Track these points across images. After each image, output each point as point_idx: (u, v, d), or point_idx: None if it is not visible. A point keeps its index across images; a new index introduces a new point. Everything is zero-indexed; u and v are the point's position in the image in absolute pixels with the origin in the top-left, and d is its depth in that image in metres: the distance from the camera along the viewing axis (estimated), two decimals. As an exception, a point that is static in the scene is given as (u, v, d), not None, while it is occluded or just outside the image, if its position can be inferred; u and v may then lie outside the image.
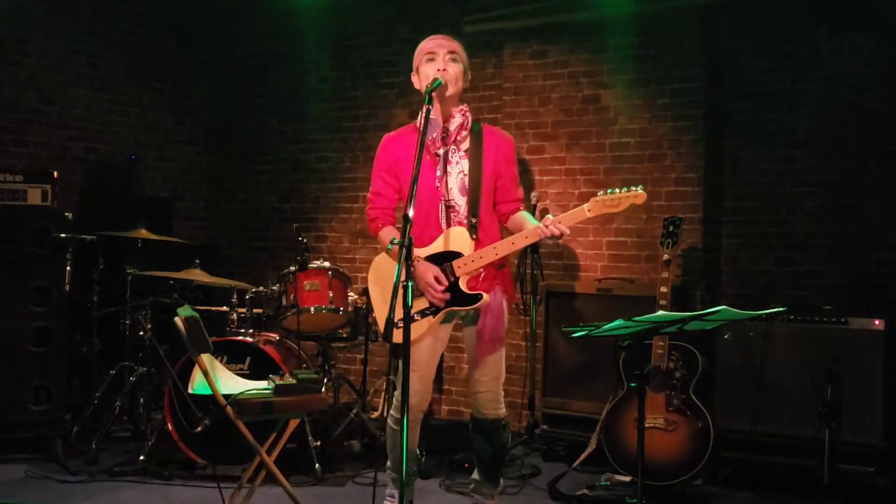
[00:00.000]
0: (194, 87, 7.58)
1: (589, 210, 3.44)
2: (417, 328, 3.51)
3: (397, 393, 3.66)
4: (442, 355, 6.50)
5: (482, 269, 3.59)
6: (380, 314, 3.72)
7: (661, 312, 3.28)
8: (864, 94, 5.08)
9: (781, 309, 4.04)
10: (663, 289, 4.47)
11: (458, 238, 3.58)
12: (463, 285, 3.55)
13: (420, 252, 3.55)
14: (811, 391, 4.43)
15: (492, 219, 3.71)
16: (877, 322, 4.42)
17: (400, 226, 3.72)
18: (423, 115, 3.39)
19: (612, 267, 5.61)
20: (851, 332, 4.47)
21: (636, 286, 5.24)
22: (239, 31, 7.50)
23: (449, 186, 3.62)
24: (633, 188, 3.42)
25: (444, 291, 3.49)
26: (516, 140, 5.87)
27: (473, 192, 3.62)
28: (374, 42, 6.79)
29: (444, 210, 3.62)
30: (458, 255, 3.56)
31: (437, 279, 3.48)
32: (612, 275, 5.54)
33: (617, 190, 3.42)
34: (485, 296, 3.56)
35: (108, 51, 6.91)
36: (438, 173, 3.61)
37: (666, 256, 4.51)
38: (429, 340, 3.63)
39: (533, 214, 5.34)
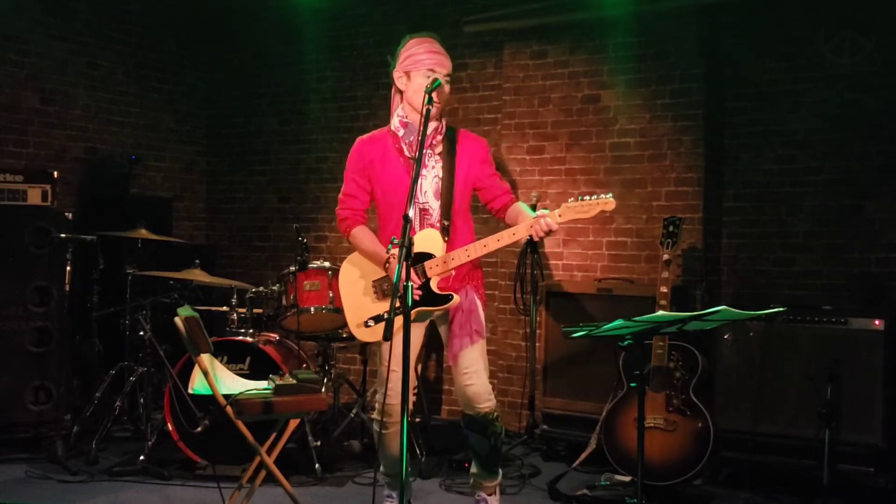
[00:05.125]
0: (194, 87, 7.58)
1: (560, 215, 3.49)
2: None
3: (378, 396, 3.69)
4: (442, 356, 6.40)
5: (453, 270, 3.64)
6: (349, 314, 3.78)
7: (661, 312, 3.28)
8: (864, 94, 5.08)
9: (781, 309, 4.02)
10: (663, 289, 4.47)
11: (430, 240, 3.63)
12: (434, 286, 3.60)
13: (394, 252, 3.57)
14: (811, 391, 4.42)
15: (465, 222, 3.76)
16: (877, 322, 4.42)
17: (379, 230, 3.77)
18: (423, 114, 3.41)
19: (612, 267, 5.61)
20: (851, 332, 4.47)
21: (636, 286, 5.24)
22: (239, 31, 7.50)
23: (423, 190, 3.69)
24: (604, 195, 3.47)
25: (415, 290, 3.49)
26: (516, 140, 5.92)
27: (446, 196, 3.68)
28: (374, 42, 6.79)
29: (417, 212, 3.68)
30: (429, 256, 3.60)
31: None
32: (612, 275, 5.53)
33: (587, 197, 3.49)
34: (455, 297, 3.63)
35: (108, 51, 6.92)
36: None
37: (666, 256, 4.51)
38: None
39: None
